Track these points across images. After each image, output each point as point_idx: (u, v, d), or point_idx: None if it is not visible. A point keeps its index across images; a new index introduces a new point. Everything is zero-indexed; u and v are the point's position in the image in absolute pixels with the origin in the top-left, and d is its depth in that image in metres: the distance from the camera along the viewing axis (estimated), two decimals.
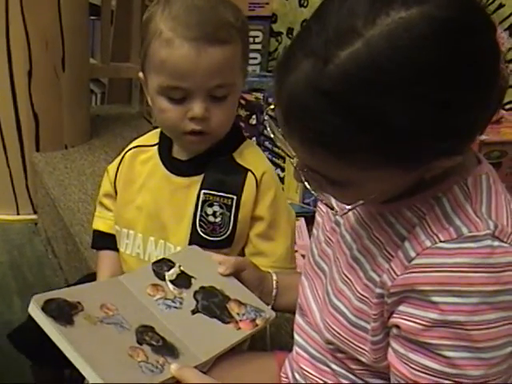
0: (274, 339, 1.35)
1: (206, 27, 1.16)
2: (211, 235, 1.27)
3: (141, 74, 1.28)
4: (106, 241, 1.42)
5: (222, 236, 1.27)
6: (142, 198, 1.34)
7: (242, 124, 2.59)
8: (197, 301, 1.11)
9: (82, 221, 2.23)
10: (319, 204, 1.10)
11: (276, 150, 2.42)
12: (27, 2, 2.54)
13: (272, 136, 0.90)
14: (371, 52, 0.72)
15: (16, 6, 2.54)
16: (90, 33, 3.39)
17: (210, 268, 1.16)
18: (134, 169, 1.36)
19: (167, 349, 1.00)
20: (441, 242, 0.81)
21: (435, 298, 0.80)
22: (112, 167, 1.42)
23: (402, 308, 0.84)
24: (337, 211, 0.91)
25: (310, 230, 2.04)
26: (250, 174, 1.27)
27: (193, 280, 1.14)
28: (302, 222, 2.10)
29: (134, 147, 1.39)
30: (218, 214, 1.26)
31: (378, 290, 0.88)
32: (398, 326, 0.85)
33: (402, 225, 0.87)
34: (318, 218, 1.09)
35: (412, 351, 0.84)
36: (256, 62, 3.04)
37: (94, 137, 2.97)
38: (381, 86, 0.73)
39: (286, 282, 1.21)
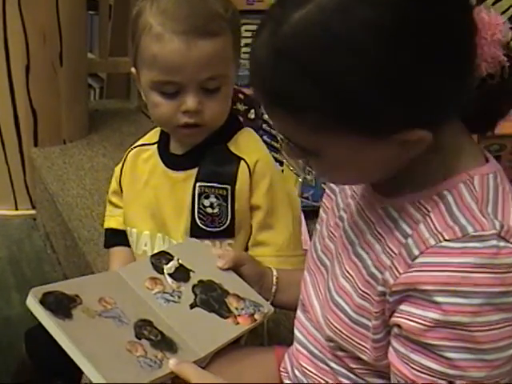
0: (272, 334, 1.35)
1: (196, 20, 1.17)
2: (211, 226, 1.27)
3: (133, 70, 1.28)
4: (118, 237, 1.42)
5: (221, 226, 1.27)
6: (146, 195, 1.34)
7: (241, 118, 2.58)
8: (195, 294, 1.10)
9: (80, 216, 2.23)
10: (324, 199, 1.09)
11: (275, 144, 2.41)
12: None
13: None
14: (322, 11, 0.76)
15: (14, 0, 2.52)
16: (89, 28, 3.38)
17: (209, 261, 1.15)
18: (137, 168, 1.37)
19: (166, 344, 0.99)
20: (445, 240, 0.80)
21: (438, 298, 0.79)
22: (118, 167, 1.43)
23: (403, 307, 0.83)
24: (304, 177, 0.92)
25: (308, 224, 2.03)
26: (242, 162, 1.27)
27: (191, 273, 1.14)
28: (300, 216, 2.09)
29: (136, 147, 1.39)
30: (215, 205, 1.26)
31: (380, 288, 0.87)
32: (399, 326, 0.84)
33: (406, 221, 0.86)
34: (322, 213, 1.09)
35: (413, 351, 0.83)
36: None
37: (93, 132, 2.96)
38: (330, 43, 0.75)
39: (287, 279, 1.20)
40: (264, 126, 2.42)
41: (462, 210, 0.82)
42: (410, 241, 0.84)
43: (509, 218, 0.82)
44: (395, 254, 0.85)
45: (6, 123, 2.67)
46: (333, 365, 0.98)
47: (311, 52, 0.76)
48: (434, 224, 0.83)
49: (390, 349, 0.87)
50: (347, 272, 0.93)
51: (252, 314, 1.11)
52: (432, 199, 0.85)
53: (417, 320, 0.81)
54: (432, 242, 0.81)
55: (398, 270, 0.84)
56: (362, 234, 0.93)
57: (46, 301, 0.95)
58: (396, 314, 0.84)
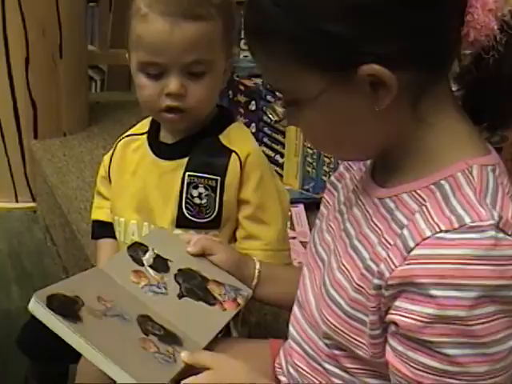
0: (272, 327, 1.34)
1: (182, 3, 1.18)
2: (197, 217, 1.26)
3: (127, 55, 1.28)
4: (106, 230, 1.40)
5: (208, 218, 1.26)
6: (133, 185, 1.33)
7: (242, 110, 2.57)
8: (179, 284, 1.10)
9: (80, 208, 2.22)
10: (325, 195, 1.08)
11: (275, 135, 2.41)
12: None
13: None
14: None
15: None
16: (89, 19, 3.38)
17: (181, 249, 1.15)
18: (126, 158, 1.37)
19: (171, 337, 0.98)
20: (441, 231, 0.78)
21: (434, 292, 0.77)
22: (107, 157, 1.42)
23: (399, 303, 0.81)
24: (278, 120, 0.93)
25: (308, 217, 2.03)
26: (234, 155, 1.26)
27: (169, 263, 1.13)
28: (301, 208, 2.08)
29: (126, 136, 1.39)
30: (203, 195, 1.26)
31: (376, 281, 0.84)
32: (395, 323, 0.82)
33: (402, 212, 0.85)
34: (322, 209, 1.07)
35: (411, 349, 0.80)
36: None
37: (93, 124, 2.95)
38: None
39: (270, 273, 1.19)
40: (264, 117, 2.41)
41: (459, 200, 0.80)
42: (405, 232, 0.82)
43: (507, 211, 0.80)
44: (391, 245, 0.84)
45: (6, 116, 2.66)
46: (326, 365, 0.96)
47: None
48: (430, 214, 0.81)
49: (388, 348, 0.85)
50: (343, 265, 0.91)
51: (234, 299, 1.11)
52: (428, 188, 0.83)
53: (413, 316, 0.79)
54: (428, 232, 0.79)
55: (393, 263, 0.82)
56: (360, 225, 0.91)
57: (52, 305, 0.92)
58: (392, 311, 0.82)
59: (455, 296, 0.76)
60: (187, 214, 1.27)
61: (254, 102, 2.51)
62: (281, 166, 2.36)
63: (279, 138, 2.39)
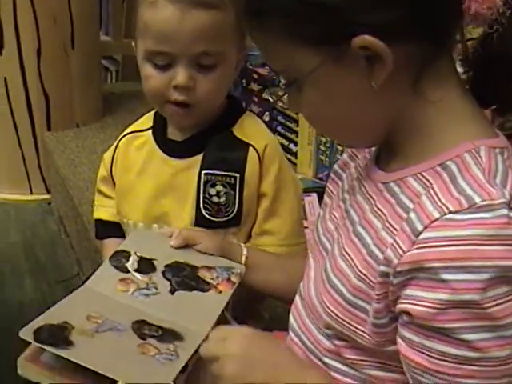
0: (282, 320, 1.32)
1: None
2: (217, 216, 1.22)
3: (133, 44, 1.23)
4: (109, 229, 1.37)
5: (228, 216, 1.22)
6: (141, 185, 1.28)
7: (255, 98, 2.55)
8: (169, 280, 1.08)
9: (91, 200, 2.17)
10: (329, 184, 1.06)
11: (289, 124, 2.38)
12: None
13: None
14: None
15: None
16: (105, 9, 3.37)
17: (164, 245, 1.13)
18: (129, 156, 1.31)
19: (170, 335, 0.97)
20: (450, 212, 0.75)
21: (446, 276, 0.74)
22: (107, 155, 1.36)
23: (409, 292, 0.78)
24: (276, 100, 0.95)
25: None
26: (251, 149, 1.22)
27: (155, 262, 1.11)
28: (314, 197, 2.05)
29: (128, 133, 1.33)
30: (221, 193, 1.21)
31: (382, 268, 0.81)
32: (408, 313, 0.78)
33: (407, 195, 0.82)
34: (326, 199, 1.05)
35: (427, 338, 0.77)
36: None
37: (107, 115, 2.93)
38: None
39: (259, 260, 1.17)
40: (278, 106, 2.39)
41: (467, 180, 0.77)
42: (412, 215, 0.78)
43: None
44: (396, 230, 0.80)
45: (19, 108, 2.65)
46: (326, 360, 0.93)
47: None
48: (437, 196, 0.77)
49: (400, 340, 0.81)
50: (346, 252, 0.88)
51: (228, 279, 1.09)
52: (434, 170, 0.80)
53: (426, 304, 0.76)
54: (436, 214, 0.76)
55: (401, 248, 0.78)
56: (363, 212, 0.89)
57: (40, 338, 0.91)
58: (402, 300, 0.79)
59: (468, 279, 0.73)
60: (206, 214, 1.22)
61: (267, 90, 2.48)
62: (294, 154, 2.34)
63: (293, 126, 2.36)
